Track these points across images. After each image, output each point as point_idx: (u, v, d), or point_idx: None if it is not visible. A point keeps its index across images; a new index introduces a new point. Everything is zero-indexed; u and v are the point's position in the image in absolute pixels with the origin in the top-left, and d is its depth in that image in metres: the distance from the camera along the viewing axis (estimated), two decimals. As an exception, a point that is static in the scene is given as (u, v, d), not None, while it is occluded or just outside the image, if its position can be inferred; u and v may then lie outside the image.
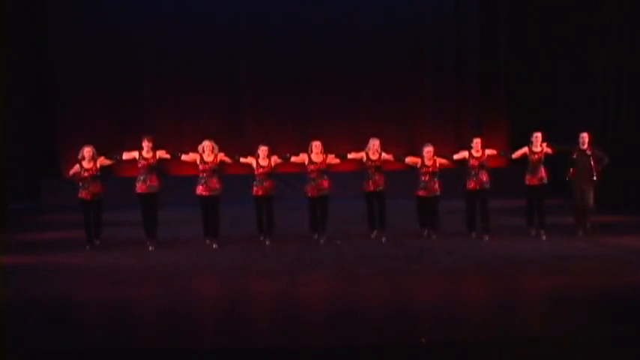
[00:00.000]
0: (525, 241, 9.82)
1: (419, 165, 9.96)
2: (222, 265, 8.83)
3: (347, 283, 7.85)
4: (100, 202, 9.82)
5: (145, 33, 15.73)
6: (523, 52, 15.95)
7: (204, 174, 9.67)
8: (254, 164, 9.83)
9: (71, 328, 6.53)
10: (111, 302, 7.27)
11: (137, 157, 9.73)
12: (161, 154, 9.83)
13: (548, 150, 9.90)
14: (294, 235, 10.41)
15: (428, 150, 9.92)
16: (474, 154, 9.92)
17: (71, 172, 9.84)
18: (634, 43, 12.88)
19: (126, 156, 9.89)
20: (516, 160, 10.27)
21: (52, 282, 8.02)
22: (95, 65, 15.70)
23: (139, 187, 9.73)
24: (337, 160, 10.09)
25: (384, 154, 9.94)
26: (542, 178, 9.89)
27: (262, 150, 9.83)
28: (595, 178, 9.91)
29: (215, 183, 9.69)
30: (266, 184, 9.81)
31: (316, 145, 9.85)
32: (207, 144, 9.70)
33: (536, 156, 9.89)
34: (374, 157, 9.91)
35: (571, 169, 9.98)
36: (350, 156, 10.07)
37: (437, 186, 9.93)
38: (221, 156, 9.79)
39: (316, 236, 9.98)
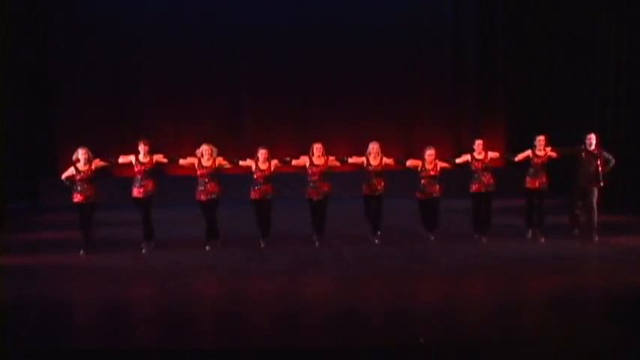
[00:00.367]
0: (525, 242, 9.83)
1: (419, 168, 9.94)
2: (221, 265, 8.80)
3: (347, 283, 7.84)
4: (93, 205, 9.54)
5: (145, 33, 15.75)
6: (521, 52, 15.98)
7: (203, 179, 9.54)
8: (253, 167, 9.66)
9: (70, 328, 6.52)
10: (110, 302, 7.24)
11: (133, 161, 9.53)
12: (158, 158, 9.64)
13: (553, 154, 9.80)
14: (293, 235, 10.40)
15: (429, 153, 9.88)
16: (477, 156, 9.85)
17: (64, 175, 9.57)
18: (632, 44, 12.89)
19: (122, 159, 9.63)
20: (518, 162, 10.11)
21: (51, 282, 8.01)
22: (94, 66, 15.72)
23: (136, 192, 9.57)
24: (338, 163, 9.99)
25: (385, 159, 9.86)
26: (543, 183, 9.79)
27: (262, 153, 9.66)
28: (602, 182, 9.70)
29: (214, 187, 9.57)
30: (264, 187, 9.66)
31: (317, 148, 9.73)
32: (205, 148, 9.53)
33: (539, 159, 9.78)
34: (375, 162, 9.82)
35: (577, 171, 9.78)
36: (351, 160, 9.98)
37: (437, 188, 9.91)
38: (220, 160, 9.59)
39: (314, 237, 9.95)
